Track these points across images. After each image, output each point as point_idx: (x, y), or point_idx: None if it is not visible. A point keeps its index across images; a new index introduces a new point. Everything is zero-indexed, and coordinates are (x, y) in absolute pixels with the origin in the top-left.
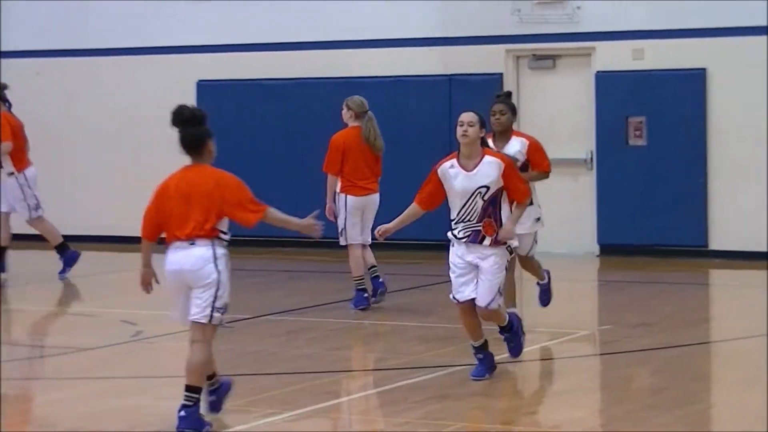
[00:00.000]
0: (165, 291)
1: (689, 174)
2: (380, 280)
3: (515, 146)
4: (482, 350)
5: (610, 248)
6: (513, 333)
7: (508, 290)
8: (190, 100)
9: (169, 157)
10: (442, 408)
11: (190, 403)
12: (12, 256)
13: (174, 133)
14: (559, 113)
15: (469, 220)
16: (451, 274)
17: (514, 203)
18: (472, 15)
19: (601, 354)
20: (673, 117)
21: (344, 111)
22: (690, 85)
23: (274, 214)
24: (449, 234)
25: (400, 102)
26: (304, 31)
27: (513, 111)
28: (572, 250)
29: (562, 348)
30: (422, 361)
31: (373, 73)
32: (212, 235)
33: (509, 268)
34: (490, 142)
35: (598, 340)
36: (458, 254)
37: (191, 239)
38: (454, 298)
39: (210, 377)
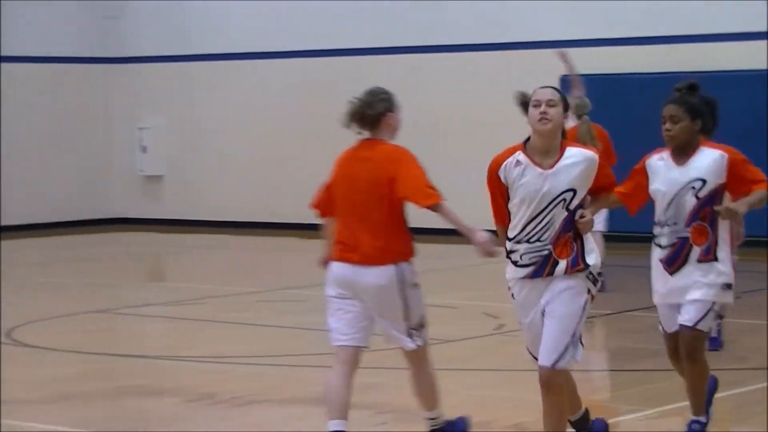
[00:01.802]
0: None
1: None
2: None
3: (703, 162)
4: None
5: None
6: None
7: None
8: None
9: None
10: None
11: None
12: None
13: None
14: None
15: (538, 240)
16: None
17: (595, 197)
18: None
19: None
20: None
21: None
22: None
23: None
24: (507, 269)
25: None
26: (675, 24)
27: (694, 115)
28: None
29: None
30: None
31: (739, 66)
32: None
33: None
34: (665, 155)
35: None
36: (520, 300)
37: None
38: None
39: None
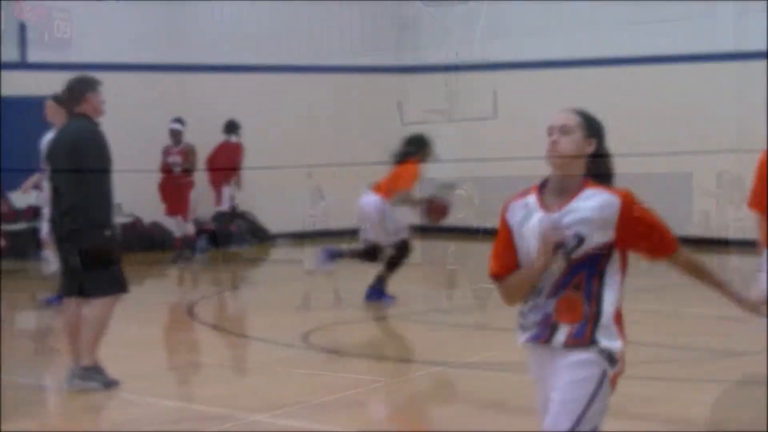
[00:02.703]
0: None
1: None
2: None
3: None
4: None
5: None
6: None
7: None
8: None
9: None
10: None
11: None
12: None
13: None
14: None
15: (538, 295)
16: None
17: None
18: None
19: None
20: None
21: None
22: None
23: None
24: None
25: None
26: None
27: None
28: None
29: None
30: None
31: None
32: None
33: None
34: None
35: None
36: (533, 371)
37: None
38: None
39: None
